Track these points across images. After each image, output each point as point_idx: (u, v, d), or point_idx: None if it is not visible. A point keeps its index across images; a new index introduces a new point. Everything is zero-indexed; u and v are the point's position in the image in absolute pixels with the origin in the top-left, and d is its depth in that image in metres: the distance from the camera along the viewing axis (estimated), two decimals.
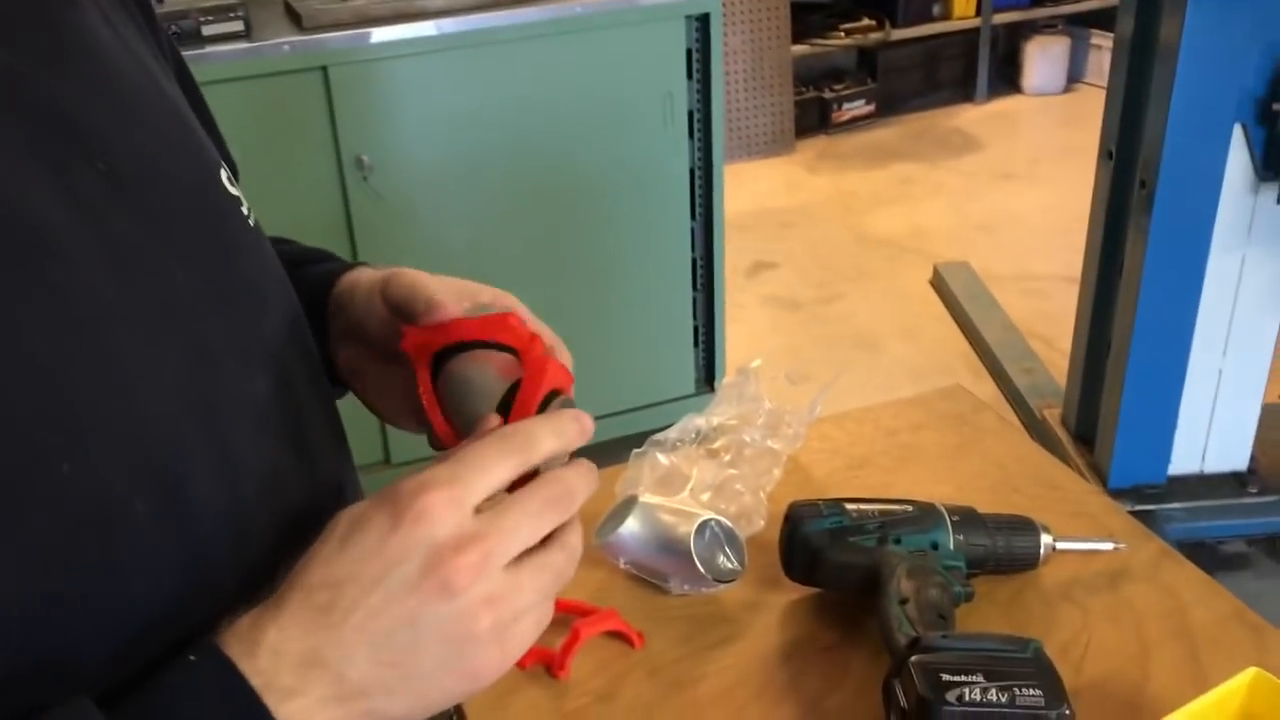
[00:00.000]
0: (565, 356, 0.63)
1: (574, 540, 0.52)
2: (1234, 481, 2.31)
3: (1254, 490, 2.28)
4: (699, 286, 2.56)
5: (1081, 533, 0.85)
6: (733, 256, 3.49)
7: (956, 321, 3.16)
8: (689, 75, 2.32)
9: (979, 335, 3.02)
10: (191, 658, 0.45)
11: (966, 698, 0.63)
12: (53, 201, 0.45)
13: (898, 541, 0.79)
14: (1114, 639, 0.77)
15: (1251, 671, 0.66)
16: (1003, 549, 0.81)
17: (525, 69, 2.19)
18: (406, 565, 0.46)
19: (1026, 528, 0.82)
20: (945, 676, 0.64)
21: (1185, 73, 1.96)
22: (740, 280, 3.41)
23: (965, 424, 1.01)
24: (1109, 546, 0.83)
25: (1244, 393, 2.25)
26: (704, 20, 2.27)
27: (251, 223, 0.60)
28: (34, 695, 0.43)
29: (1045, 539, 0.82)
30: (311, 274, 0.69)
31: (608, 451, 0.82)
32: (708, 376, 2.66)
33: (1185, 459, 2.31)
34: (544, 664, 0.78)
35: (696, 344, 2.62)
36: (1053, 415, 2.58)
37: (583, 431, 0.54)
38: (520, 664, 0.77)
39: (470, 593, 0.47)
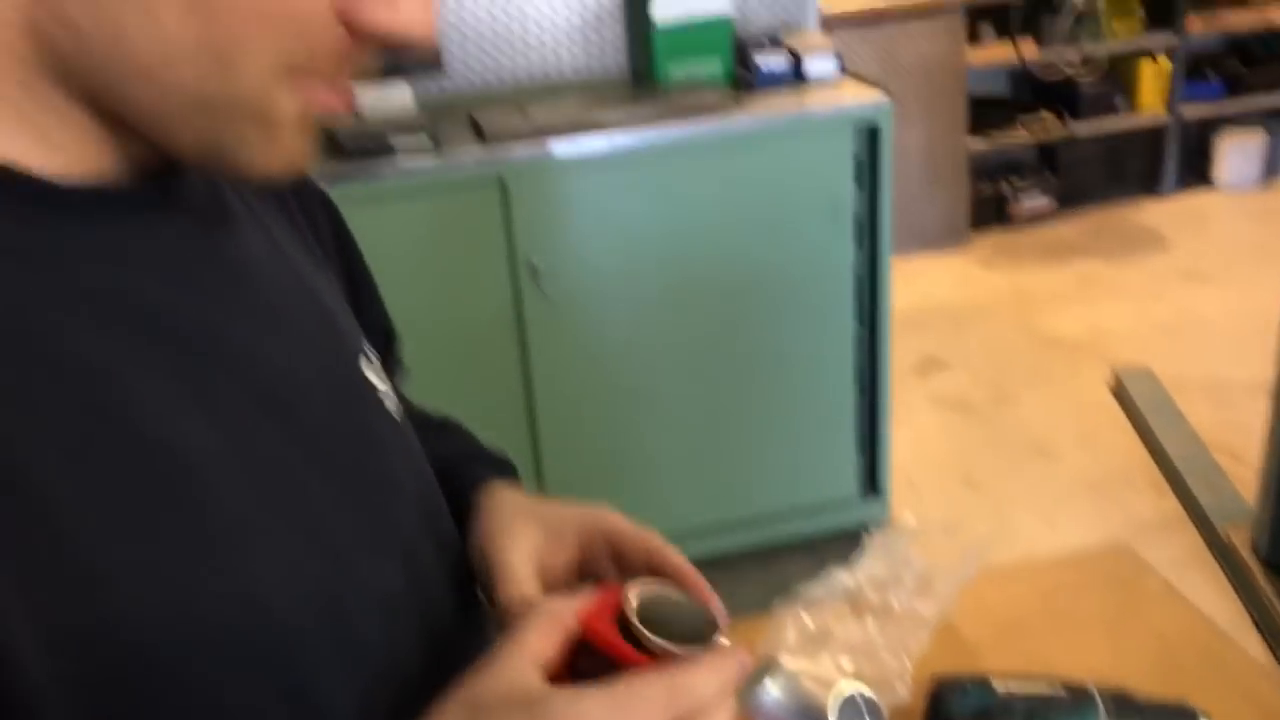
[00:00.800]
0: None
1: None
2: None
3: None
4: (864, 389, 2.54)
5: None
6: (902, 354, 3.45)
7: (1137, 430, 3.03)
8: (857, 183, 2.33)
9: (1160, 446, 2.89)
10: None
11: None
12: (194, 422, 0.49)
13: None
14: None
15: None
16: None
17: (694, 178, 2.25)
18: None
19: (1185, 717, 0.79)
20: None
21: None
22: (909, 379, 3.36)
23: (1128, 589, 0.98)
24: None
25: None
26: (873, 130, 2.28)
27: (390, 409, 0.63)
28: None
29: None
30: (456, 476, 0.72)
31: (771, 560, 0.82)
32: (871, 480, 2.62)
33: None
34: None
35: (861, 447, 2.60)
36: (1240, 538, 2.44)
37: (742, 668, 0.53)
38: None
39: None
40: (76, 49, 0.45)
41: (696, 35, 2.35)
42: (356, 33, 0.48)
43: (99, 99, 0.47)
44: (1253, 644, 2.25)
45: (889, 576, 0.92)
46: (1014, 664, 0.83)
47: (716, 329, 2.39)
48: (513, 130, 2.15)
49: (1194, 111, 4.40)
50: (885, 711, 0.82)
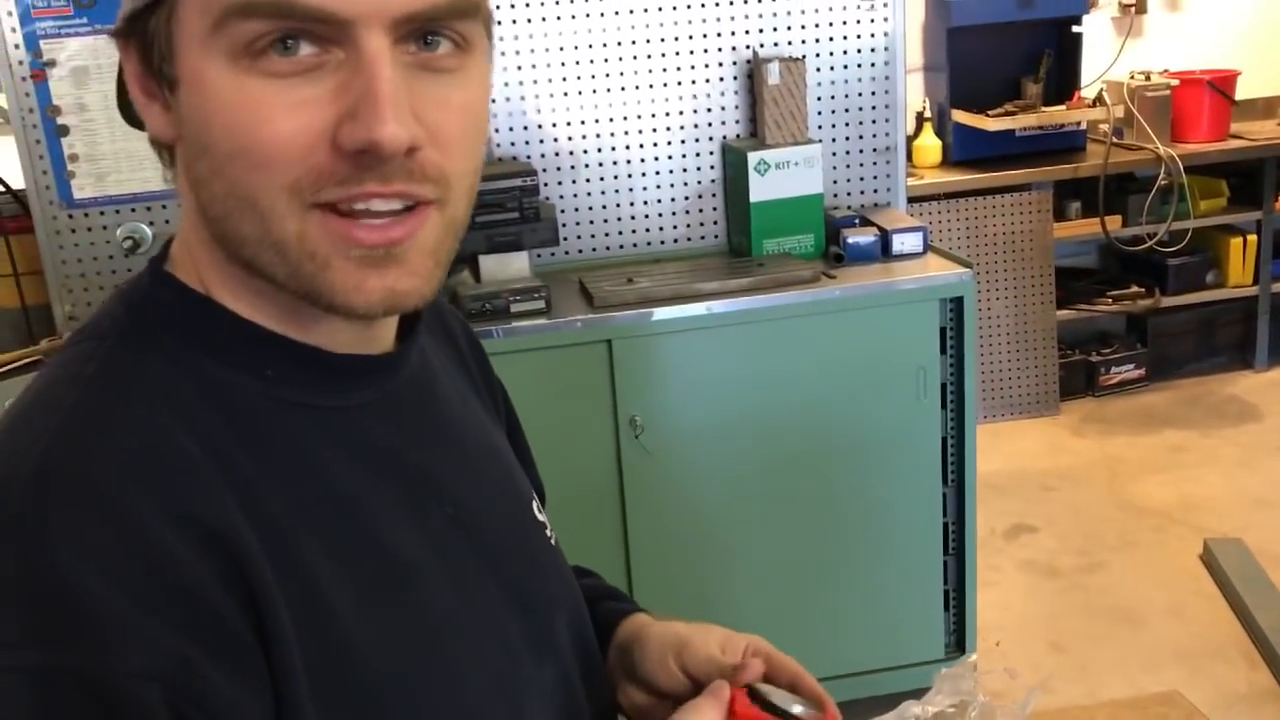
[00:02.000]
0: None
1: None
2: None
3: None
4: (950, 551, 2.61)
5: None
6: (991, 518, 3.51)
7: (1228, 602, 3.03)
8: (943, 351, 2.46)
9: (1253, 619, 2.88)
10: None
11: None
12: (416, 540, 0.66)
13: None
14: None
15: None
16: None
17: (786, 344, 2.40)
18: None
19: None
20: None
21: None
22: (997, 543, 3.40)
23: None
24: None
25: None
26: (958, 302, 2.42)
27: (552, 541, 0.79)
28: None
29: None
30: (605, 609, 0.87)
31: (854, 713, 0.93)
32: (958, 641, 2.67)
33: None
34: None
35: (947, 608, 2.65)
36: None
37: None
38: None
39: None
40: (211, 223, 0.61)
41: (790, 212, 2.54)
42: (342, 153, 0.57)
43: (239, 260, 0.62)
44: None
45: (955, 709, 1.02)
46: None
47: (806, 487, 2.50)
48: (619, 297, 2.34)
49: None
50: None
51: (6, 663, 0.50)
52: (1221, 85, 4.17)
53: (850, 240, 2.51)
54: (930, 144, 4.10)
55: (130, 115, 0.64)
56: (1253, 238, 4.35)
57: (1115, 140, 4.11)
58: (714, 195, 2.68)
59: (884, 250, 2.52)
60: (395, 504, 0.65)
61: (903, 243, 2.51)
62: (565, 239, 2.63)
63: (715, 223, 2.71)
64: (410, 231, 0.60)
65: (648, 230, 2.68)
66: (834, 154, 2.69)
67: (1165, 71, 4.22)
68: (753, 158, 2.49)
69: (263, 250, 0.60)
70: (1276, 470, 3.73)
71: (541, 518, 0.80)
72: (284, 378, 0.63)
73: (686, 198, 2.67)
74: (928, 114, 4.14)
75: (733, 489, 2.47)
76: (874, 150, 2.71)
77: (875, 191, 2.75)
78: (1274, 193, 4.27)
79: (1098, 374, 4.38)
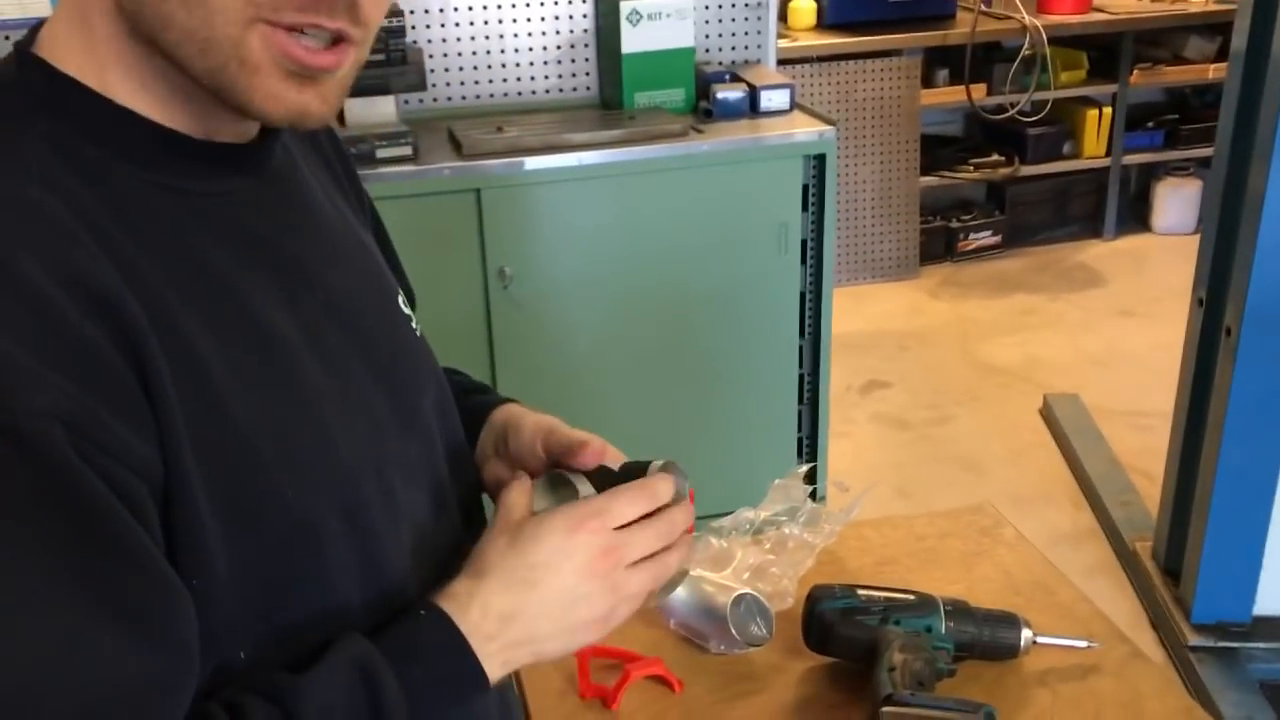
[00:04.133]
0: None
1: (673, 559, 0.78)
2: None
3: None
4: (805, 401, 2.74)
5: (1066, 634, 1.00)
6: (848, 374, 3.66)
7: (1062, 452, 3.25)
8: (805, 208, 2.53)
9: (1082, 466, 3.10)
10: (421, 612, 0.70)
11: None
12: (290, 321, 0.70)
13: (897, 622, 0.95)
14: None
15: None
16: (988, 638, 0.97)
17: (655, 197, 2.44)
18: (579, 556, 0.73)
19: (1011, 622, 0.98)
20: None
21: (1270, 223, 2.08)
22: (853, 397, 3.56)
23: (986, 536, 1.17)
24: (1083, 644, 0.98)
25: None
26: (820, 159, 2.49)
27: (418, 333, 0.84)
28: (276, 669, 0.66)
29: (1026, 633, 0.97)
30: (475, 401, 0.95)
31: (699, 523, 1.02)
32: (813, 490, 2.81)
33: (1272, 600, 2.36)
34: (600, 697, 0.96)
35: (800, 455, 2.78)
36: (1144, 548, 2.65)
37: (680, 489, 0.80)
38: (581, 695, 0.97)
39: (615, 574, 0.74)
40: (133, 9, 0.63)
41: (661, 65, 2.55)
42: None
43: (156, 49, 0.64)
44: (1149, 640, 2.45)
45: (786, 513, 1.11)
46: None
47: (671, 337, 2.58)
48: (488, 146, 2.34)
49: (1135, 159, 4.66)
50: (773, 613, 1.01)
51: None
52: None
53: (720, 95, 2.54)
54: (805, 6, 4.12)
55: None
56: (1108, 110, 4.51)
57: (984, 9, 4.19)
58: (586, 46, 2.67)
59: (752, 107, 2.56)
60: (267, 288, 0.70)
61: (770, 99, 2.55)
62: (434, 85, 2.60)
63: (587, 74, 2.70)
64: (337, 62, 0.65)
65: (519, 80, 2.67)
66: (706, 7, 2.70)
67: None
68: (625, 7, 2.48)
69: (192, 43, 0.63)
70: (1114, 333, 3.96)
71: (407, 311, 0.85)
72: (154, 161, 0.66)
73: (558, 47, 2.66)
74: None
75: (599, 338, 2.53)
76: (745, 5, 2.72)
77: (746, 48, 2.77)
78: (1130, 66, 4.42)
79: (957, 240, 4.54)
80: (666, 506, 0.77)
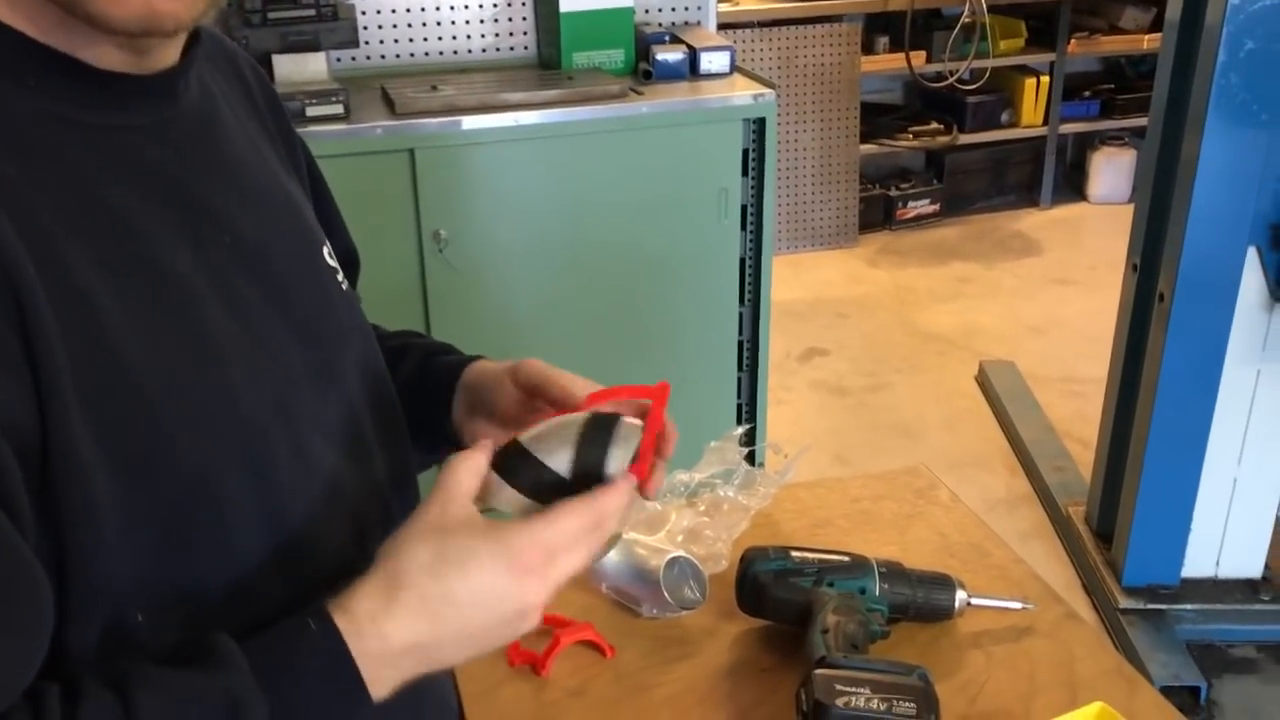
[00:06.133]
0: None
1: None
2: (1247, 588, 2.39)
3: (1266, 598, 2.36)
4: (745, 368, 2.73)
5: (1001, 595, 1.00)
6: (787, 341, 3.66)
7: (997, 418, 3.28)
8: (744, 173, 2.51)
9: (1017, 433, 3.13)
10: (311, 625, 0.61)
11: (853, 704, 0.78)
12: (194, 265, 0.66)
13: (831, 584, 0.94)
14: (1008, 681, 0.92)
15: (1097, 705, 0.81)
16: (922, 599, 0.96)
17: (593, 159, 2.40)
18: (505, 607, 0.65)
19: (945, 584, 0.97)
20: (839, 686, 0.80)
21: (1202, 192, 2.10)
22: (792, 365, 3.57)
23: (921, 498, 1.16)
24: (1017, 606, 0.98)
25: (1259, 502, 2.34)
26: (760, 123, 2.46)
27: (343, 286, 0.80)
28: (177, 630, 0.62)
29: (960, 595, 0.96)
30: (443, 361, 0.92)
31: None
32: (749, 453, 2.80)
33: (1200, 563, 2.40)
34: (529, 664, 0.94)
35: (740, 421, 2.78)
36: (1077, 513, 2.68)
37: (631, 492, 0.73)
38: (510, 662, 0.94)
39: (537, 605, 0.66)
40: None
41: (600, 25, 2.51)
42: None
43: None
44: (1081, 603, 2.49)
45: (720, 476, 1.09)
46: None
47: (609, 301, 2.55)
48: (423, 105, 2.29)
49: (1071, 128, 4.70)
50: (706, 575, 0.99)
51: None
52: None
53: (659, 57, 2.50)
54: None
55: None
56: (1045, 79, 4.54)
57: None
58: (524, 4, 2.62)
59: (692, 69, 2.53)
60: (169, 226, 0.66)
61: (710, 61, 2.52)
62: (367, 43, 2.53)
63: (525, 33, 2.65)
64: None
65: (454, 38, 2.61)
66: None
67: None
68: None
69: None
70: (1049, 301, 4.00)
71: (333, 263, 0.81)
72: (47, 89, 0.62)
73: (495, 4, 2.60)
74: None
75: (536, 302, 2.49)
76: None
77: (686, 9, 2.73)
78: (1068, 36, 4.45)
79: (895, 208, 4.55)
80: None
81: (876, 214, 4.54)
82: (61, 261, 0.58)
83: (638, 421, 0.75)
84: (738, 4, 4.00)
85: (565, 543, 0.67)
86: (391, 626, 0.62)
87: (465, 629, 0.64)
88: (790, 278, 4.05)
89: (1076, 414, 3.22)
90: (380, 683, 0.63)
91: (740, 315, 2.66)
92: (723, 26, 3.08)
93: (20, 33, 0.61)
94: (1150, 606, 2.36)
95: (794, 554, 0.96)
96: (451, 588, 0.63)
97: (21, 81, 0.61)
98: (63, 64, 0.62)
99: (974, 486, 2.94)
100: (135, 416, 0.60)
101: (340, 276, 0.82)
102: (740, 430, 1.11)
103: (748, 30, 4.00)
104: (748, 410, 2.77)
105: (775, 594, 0.94)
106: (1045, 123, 4.62)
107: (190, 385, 0.63)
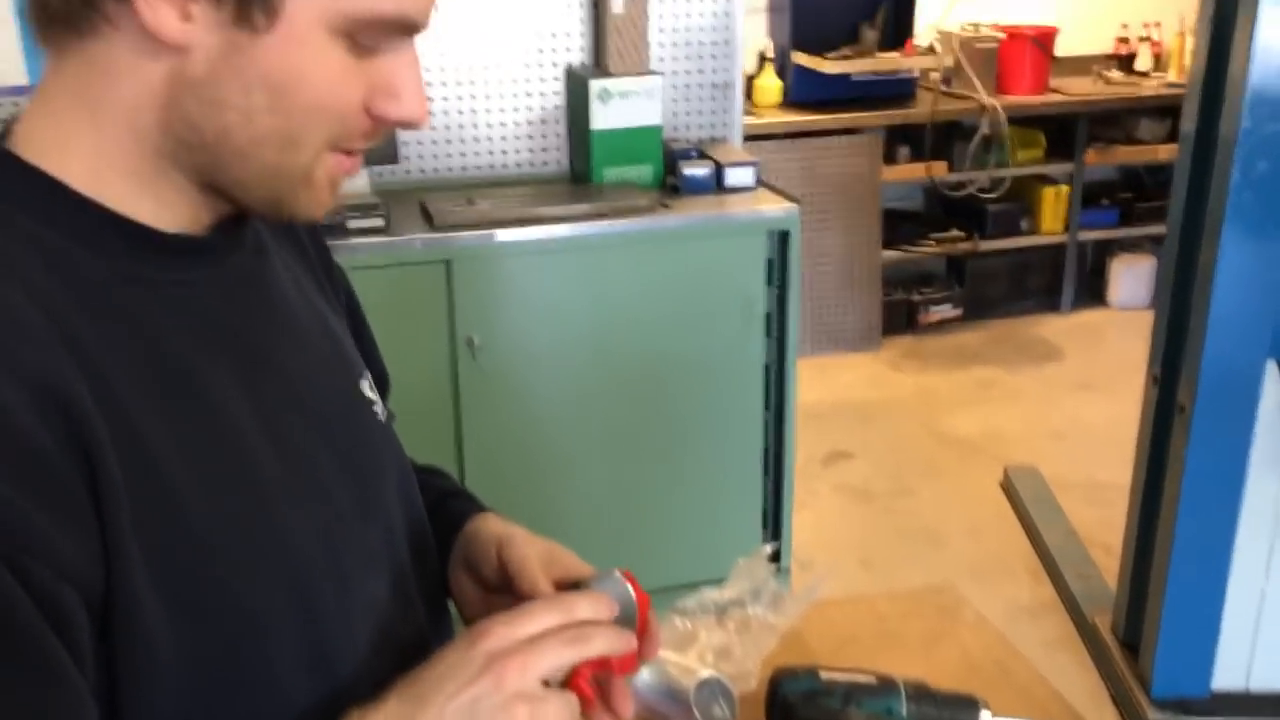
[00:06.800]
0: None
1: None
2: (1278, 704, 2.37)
3: None
4: (769, 473, 2.76)
5: (1024, 714, 1.02)
6: (810, 444, 3.69)
7: (1022, 524, 3.28)
8: (769, 282, 2.58)
9: (1042, 539, 3.13)
10: None
11: None
12: (249, 411, 0.71)
13: (859, 705, 0.97)
14: None
15: None
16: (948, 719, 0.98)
17: (622, 269, 2.48)
18: (471, 667, 0.67)
19: (970, 704, 0.99)
20: None
21: (1220, 305, 2.13)
22: (816, 468, 3.59)
23: (947, 616, 1.19)
24: None
25: None
26: (784, 235, 2.54)
27: (381, 418, 0.85)
28: None
29: (985, 715, 0.99)
30: (453, 507, 0.95)
31: (665, 599, 1.02)
32: (774, 558, 2.82)
33: (1231, 675, 2.38)
34: None
35: (765, 526, 2.80)
36: (1103, 622, 2.67)
37: (610, 610, 0.75)
38: None
39: (511, 689, 0.67)
40: (194, 140, 0.67)
41: (630, 142, 2.60)
42: (376, 119, 0.71)
43: (201, 172, 0.69)
44: (1110, 715, 2.47)
45: (749, 594, 1.13)
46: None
47: (637, 408, 2.60)
48: (459, 218, 2.37)
49: (1090, 235, 4.77)
50: (736, 695, 1.02)
51: None
52: (1043, 41, 4.40)
53: (686, 172, 2.59)
54: (771, 84, 4.21)
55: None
56: (1065, 188, 4.63)
57: (944, 89, 4.29)
58: (557, 121, 2.72)
59: (718, 183, 2.62)
60: (226, 374, 0.71)
61: (736, 176, 2.61)
62: (406, 158, 2.64)
63: (558, 149, 2.75)
64: (358, 167, 0.74)
65: (490, 153, 2.71)
66: (674, 87, 2.76)
67: (994, 25, 4.43)
68: (595, 86, 2.53)
69: (267, 175, 0.69)
70: (1072, 405, 4.02)
71: (371, 395, 0.86)
72: (120, 254, 0.68)
73: (530, 122, 2.71)
74: (770, 54, 4.24)
75: (567, 409, 2.54)
76: (713, 85, 2.79)
77: (713, 126, 2.83)
78: (1085, 146, 4.54)
79: (918, 313, 4.61)
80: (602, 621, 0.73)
81: (899, 318, 4.59)
82: (128, 414, 0.63)
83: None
84: (761, 116, 4.11)
85: (529, 627, 0.70)
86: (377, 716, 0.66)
87: (446, 699, 0.66)
88: (814, 380, 4.10)
89: (1101, 520, 3.22)
90: None
91: (765, 421, 2.71)
92: (748, 138, 3.18)
93: (95, 202, 0.67)
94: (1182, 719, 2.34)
95: (822, 674, 0.99)
96: (426, 670, 0.68)
97: (96, 248, 0.67)
98: (136, 229, 0.69)
99: (999, 594, 2.94)
100: (194, 564, 0.65)
101: (378, 408, 0.87)
102: (769, 548, 1.15)
103: (771, 141, 4.10)
104: (772, 515, 2.80)
105: (804, 715, 0.97)
106: (1065, 229, 4.69)
107: (246, 530, 0.68)
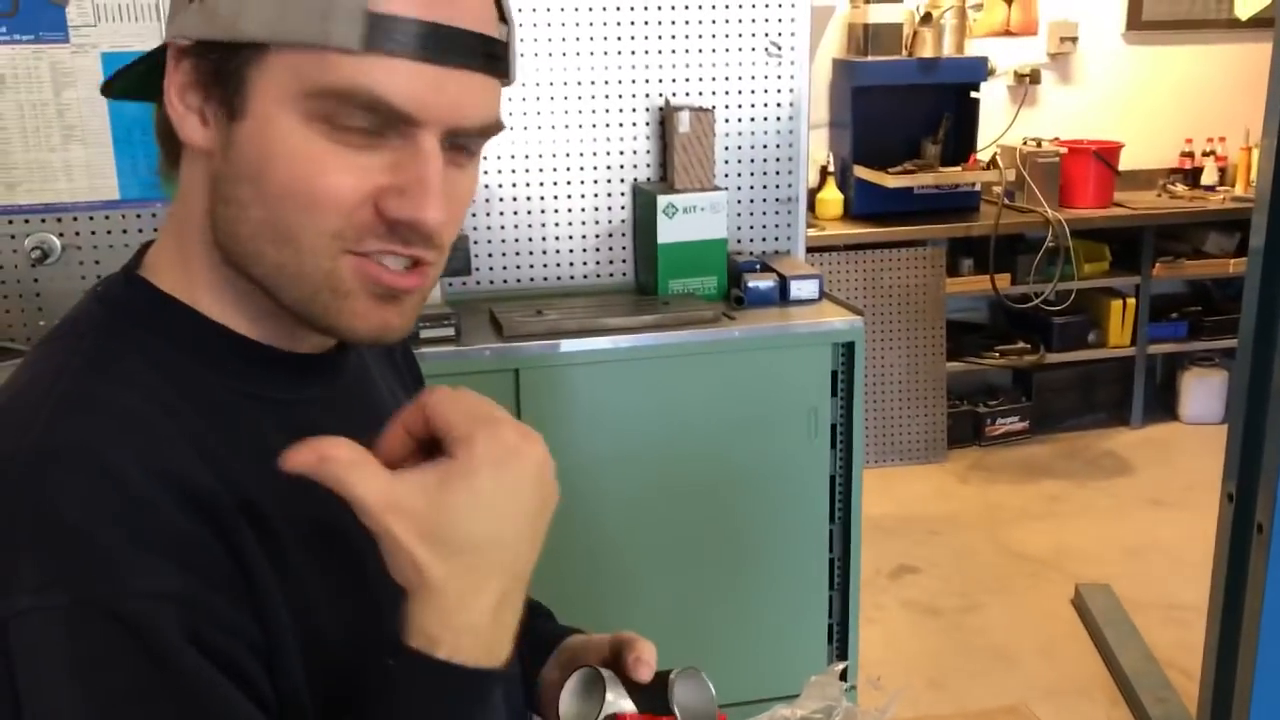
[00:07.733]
0: None
1: None
2: None
3: None
4: (835, 586, 2.72)
5: None
6: (877, 558, 3.64)
7: (1095, 644, 3.19)
8: (834, 393, 2.58)
9: (1116, 661, 3.04)
10: (389, 661, 0.65)
11: None
12: (354, 517, 0.73)
13: None
14: None
15: None
16: None
17: (687, 380, 2.49)
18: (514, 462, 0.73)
19: None
20: None
21: None
22: (882, 582, 3.53)
23: None
24: None
25: None
26: (849, 347, 2.54)
27: None
28: None
29: None
30: (544, 627, 1.03)
31: (732, 716, 1.02)
32: (841, 676, 2.76)
33: None
34: None
35: (831, 641, 2.75)
36: None
37: None
38: None
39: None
40: (225, 242, 0.70)
41: (695, 254, 2.64)
42: (383, 217, 0.69)
43: (250, 279, 0.71)
44: None
45: (822, 712, 1.11)
46: None
47: (701, 519, 2.59)
48: (528, 329, 2.41)
49: (1159, 348, 4.72)
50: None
51: (36, 605, 0.59)
52: (1106, 155, 4.42)
53: (750, 284, 2.62)
54: (833, 197, 4.27)
55: (112, 92, 0.76)
56: (1132, 301, 4.59)
57: (1007, 202, 4.32)
58: (624, 235, 2.78)
59: (782, 295, 2.64)
60: None
61: (800, 289, 2.63)
62: (478, 269, 2.70)
63: (624, 261, 2.80)
64: (416, 284, 0.72)
65: (558, 265, 2.76)
66: (739, 201, 2.81)
67: (1055, 140, 4.46)
68: (662, 201, 2.59)
69: (282, 275, 0.69)
70: (1145, 522, 3.93)
71: None
72: (242, 372, 0.72)
73: (597, 235, 2.76)
74: (831, 168, 4.31)
75: (631, 518, 2.54)
76: (776, 200, 2.83)
77: (776, 239, 2.87)
78: (1152, 259, 4.52)
79: (984, 425, 4.57)
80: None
81: (965, 430, 4.55)
82: (264, 520, 0.67)
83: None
84: (824, 229, 4.16)
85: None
86: (425, 614, 0.66)
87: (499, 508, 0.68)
88: (879, 492, 4.06)
89: (1178, 642, 3.12)
90: (479, 644, 0.65)
91: (830, 532, 2.68)
92: (811, 250, 3.22)
93: (227, 328, 0.72)
94: None
95: None
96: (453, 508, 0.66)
97: (222, 369, 0.72)
98: (260, 352, 0.73)
99: (1073, 716, 2.85)
100: (328, 668, 0.68)
101: None
102: (841, 666, 1.13)
103: (834, 253, 4.14)
104: (839, 630, 2.75)
105: None
106: (1133, 343, 4.64)
107: (361, 634, 0.71)
